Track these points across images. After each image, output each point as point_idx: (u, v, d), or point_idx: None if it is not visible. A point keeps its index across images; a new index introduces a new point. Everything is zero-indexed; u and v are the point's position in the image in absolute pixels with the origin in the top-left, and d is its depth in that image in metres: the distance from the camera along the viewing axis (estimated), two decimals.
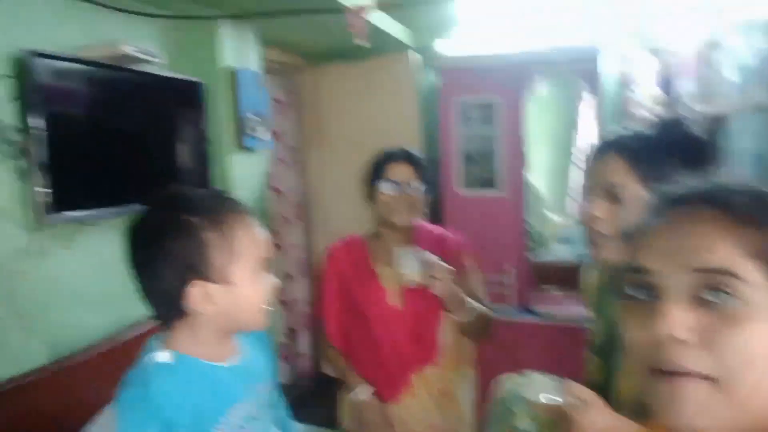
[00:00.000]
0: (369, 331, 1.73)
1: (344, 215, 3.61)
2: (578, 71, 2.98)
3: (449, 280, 1.60)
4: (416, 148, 1.82)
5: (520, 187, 3.06)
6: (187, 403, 0.93)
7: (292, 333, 3.92)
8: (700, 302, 0.54)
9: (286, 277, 3.77)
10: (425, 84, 3.55)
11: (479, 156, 3.13)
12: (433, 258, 1.60)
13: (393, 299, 1.74)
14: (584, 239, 1.17)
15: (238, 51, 2.76)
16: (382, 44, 3.20)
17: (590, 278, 1.38)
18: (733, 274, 0.53)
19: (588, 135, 3.61)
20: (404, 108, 3.46)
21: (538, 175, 3.49)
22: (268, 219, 3.01)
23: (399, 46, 3.43)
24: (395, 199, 1.70)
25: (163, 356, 0.96)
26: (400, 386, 1.72)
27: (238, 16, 2.55)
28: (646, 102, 3.21)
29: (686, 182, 0.64)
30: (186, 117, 2.50)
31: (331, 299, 1.81)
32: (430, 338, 1.72)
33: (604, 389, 1.10)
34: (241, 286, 0.98)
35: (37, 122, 1.77)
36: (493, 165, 3.08)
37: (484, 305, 1.78)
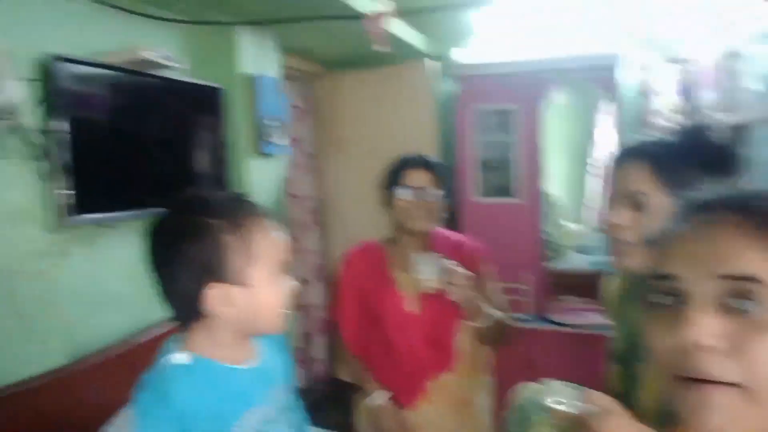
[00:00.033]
0: (386, 337, 1.73)
1: (360, 221, 3.63)
2: (596, 80, 2.97)
3: (467, 287, 1.59)
4: (434, 155, 1.82)
5: (536, 196, 3.05)
6: (203, 405, 0.93)
7: (307, 337, 3.93)
8: (726, 309, 0.54)
9: (302, 282, 3.78)
10: (442, 92, 3.55)
11: (496, 164, 3.13)
12: (451, 264, 1.60)
13: (410, 305, 1.74)
14: (606, 247, 1.16)
15: (257, 57, 2.78)
16: (400, 52, 3.21)
17: (611, 286, 1.36)
18: (758, 281, 0.53)
19: (606, 144, 3.59)
20: (421, 115, 3.46)
21: (554, 183, 3.47)
22: (285, 224, 3.02)
23: (416, 54, 3.44)
24: (413, 205, 1.70)
25: (180, 358, 0.96)
26: (417, 393, 1.71)
27: (258, 23, 2.57)
28: (666, 111, 3.19)
29: (711, 189, 0.63)
30: (205, 122, 2.52)
31: (347, 304, 1.81)
32: (447, 345, 1.71)
33: (625, 398, 1.09)
34: (259, 289, 0.98)
35: (60, 125, 1.79)
36: (510, 173, 3.08)
37: (501, 312, 1.77)
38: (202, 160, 2.50)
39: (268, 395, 1.06)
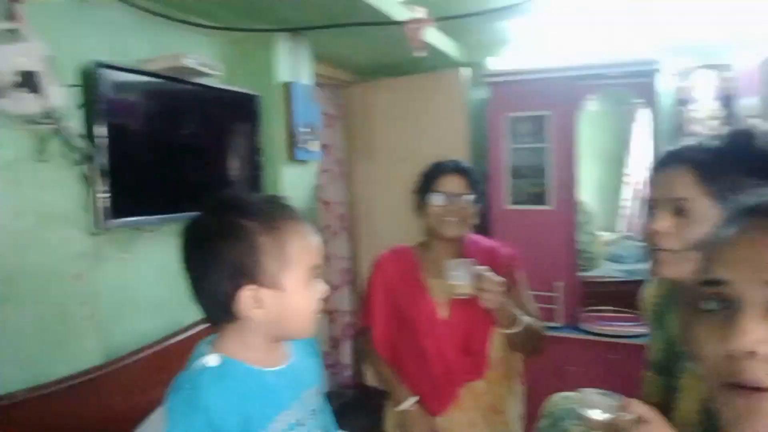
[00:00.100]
0: (417, 343, 1.72)
1: (389, 227, 3.64)
2: (634, 86, 2.93)
3: (499, 293, 1.58)
4: (467, 161, 1.82)
5: (570, 204, 3.01)
6: (235, 408, 0.93)
7: (335, 342, 3.94)
8: None
9: (331, 288, 3.79)
10: (474, 99, 3.54)
11: (529, 171, 3.11)
12: (483, 270, 1.59)
13: (442, 311, 1.73)
14: (640, 255, 1.14)
15: (292, 65, 2.82)
16: (432, 60, 3.21)
17: (649, 295, 1.34)
18: None
19: (641, 152, 3.54)
20: (453, 123, 3.45)
21: (587, 191, 3.43)
22: (316, 229, 3.04)
23: (448, 62, 3.44)
24: (446, 211, 1.70)
25: (212, 360, 0.96)
26: (448, 399, 1.70)
27: (294, 29, 2.60)
28: (705, 119, 3.13)
29: (762, 193, 0.62)
30: (241, 129, 2.56)
31: (378, 308, 1.81)
32: (479, 351, 1.70)
33: (662, 407, 1.07)
34: (291, 293, 0.97)
35: (101, 130, 1.83)
36: (544, 181, 3.05)
37: (534, 319, 1.76)
38: (237, 166, 2.53)
39: (299, 398, 1.05)
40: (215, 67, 2.19)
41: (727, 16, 2.76)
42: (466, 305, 1.66)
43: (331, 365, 3.89)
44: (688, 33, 3.01)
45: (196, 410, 0.89)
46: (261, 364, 1.00)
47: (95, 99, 1.83)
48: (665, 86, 3.10)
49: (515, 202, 3.13)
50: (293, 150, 2.76)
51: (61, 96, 1.67)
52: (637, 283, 3.23)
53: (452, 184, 1.71)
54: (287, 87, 2.74)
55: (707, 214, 1.01)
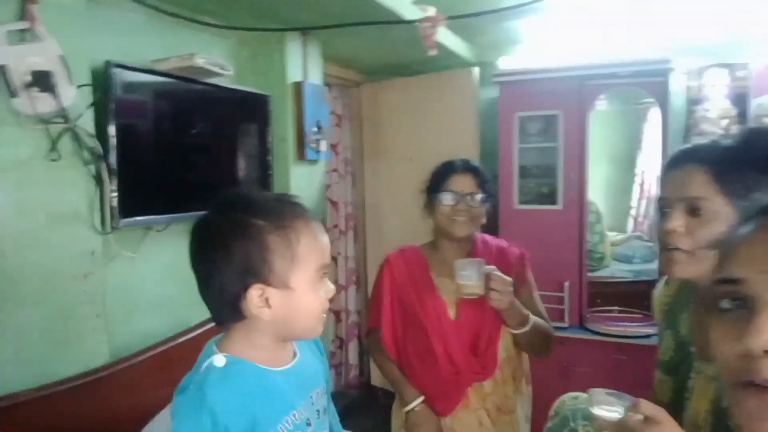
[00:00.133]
0: (425, 342, 1.71)
1: (397, 227, 3.64)
2: (647, 85, 2.92)
3: (509, 293, 1.58)
4: (477, 160, 1.82)
5: (579, 204, 3.00)
6: (241, 408, 0.91)
7: (341, 342, 3.95)
8: None
9: (338, 288, 3.80)
10: (484, 98, 3.54)
11: (538, 171, 3.10)
12: (493, 269, 1.59)
13: (451, 311, 1.72)
14: (658, 255, 1.12)
15: (303, 65, 2.83)
16: (442, 59, 3.22)
17: (660, 295, 1.33)
18: None
19: (651, 152, 3.53)
20: (463, 123, 3.45)
21: (596, 191, 3.43)
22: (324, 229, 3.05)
23: (458, 61, 3.44)
24: (456, 210, 1.70)
25: (219, 360, 0.94)
26: (456, 399, 1.70)
27: (305, 29, 2.60)
28: (716, 118, 3.12)
29: None
30: (251, 128, 2.58)
31: (386, 308, 1.80)
32: (487, 352, 1.69)
33: (673, 408, 1.07)
34: (300, 292, 0.96)
35: (113, 130, 1.85)
36: (553, 180, 3.05)
37: (543, 319, 1.76)
38: (247, 166, 2.54)
39: (306, 398, 1.04)
40: (226, 67, 2.20)
41: (738, 15, 2.74)
42: (475, 305, 1.66)
43: (336, 365, 3.90)
44: (699, 32, 2.99)
45: (201, 411, 0.88)
46: (268, 364, 0.99)
47: (107, 98, 1.84)
48: (676, 86, 3.08)
49: (524, 202, 3.13)
50: (303, 150, 2.77)
51: (73, 95, 1.68)
52: (645, 284, 3.24)
53: (462, 183, 1.71)
54: (298, 87, 2.75)
55: (721, 213, 1.00)
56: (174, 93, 2.15)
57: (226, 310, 0.96)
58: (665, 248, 1.08)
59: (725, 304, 0.58)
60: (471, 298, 1.61)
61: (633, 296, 3.14)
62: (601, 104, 3.21)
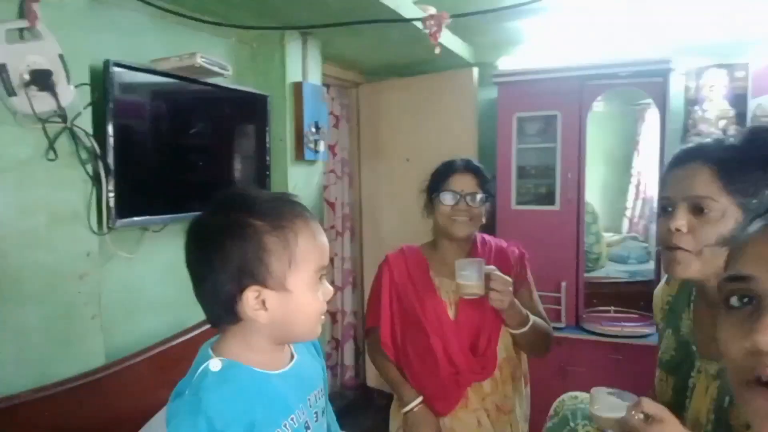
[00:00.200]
0: (424, 343, 1.71)
1: (394, 228, 3.64)
2: (646, 86, 2.93)
3: (509, 293, 1.58)
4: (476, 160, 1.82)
5: (577, 204, 3.01)
6: (238, 413, 0.89)
7: (336, 344, 3.95)
8: None
9: (334, 289, 3.79)
10: (483, 99, 3.54)
11: (536, 171, 3.11)
12: (493, 269, 1.59)
13: (451, 311, 1.73)
14: (662, 254, 1.11)
15: (303, 65, 2.83)
16: (441, 60, 3.22)
17: (661, 294, 1.34)
18: None
19: (648, 153, 3.54)
20: (461, 123, 3.44)
21: (592, 192, 3.44)
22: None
23: (457, 62, 3.44)
24: (457, 210, 1.70)
25: (215, 365, 0.92)
26: (455, 399, 1.70)
27: (306, 28, 2.60)
28: (715, 119, 3.13)
29: None
30: (250, 129, 2.57)
31: (385, 308, 1.80)
32: (487, 352, 1.69)
33: (674, 407, 1.07)
34: (297, 294, 0.94)
35: (111, 129, 1.83)
36: (551, 181, 3.06)
37: (542, 319, 1.76)
38: (245, 166, 2.54)
39: (305, 401, 1.02)
40: (226, 66, 2.19)
41: (737, 15, 2.75)
42: (475, 305, 1.66)
43: (332, 366, 3.90)
44: (699, 33, 2.99)
45: (197, 416, 0.86)
46: (265, 367, 0.97)
47: (105, 98, 1.83)
48: (675, 86, 3.09)
49: (522, 203, 3.14)
50: (303, 150, 2.76)
51: (72, 95, 1.67)
52: (641, 284, 3.25)
53: (463, 183, 1.71)
54: (297, 87, 2.75)
55: (725, 212, 1.00)
56: (173, 93, 2.14)
57: (221, 311, 0.93)
58: (668, 247, 1.08)
59: (734, 301, 0.58)
60: (471, 298, 1.61)
61: (629, 296, 3.16)
62: (598, 105, 3.21)
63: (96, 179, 1.81)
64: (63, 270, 1.73)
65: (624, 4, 2.63)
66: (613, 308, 3.12)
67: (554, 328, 1.85)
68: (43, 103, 1.59)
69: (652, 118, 3.37)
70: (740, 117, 3.06)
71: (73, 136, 1.73)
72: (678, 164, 1.10)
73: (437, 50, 2.31)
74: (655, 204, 3.27)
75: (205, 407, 0.86)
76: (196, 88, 2.22)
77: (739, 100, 3.09)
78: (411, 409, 1.69)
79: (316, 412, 1.06)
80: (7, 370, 1.58)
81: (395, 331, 1.79)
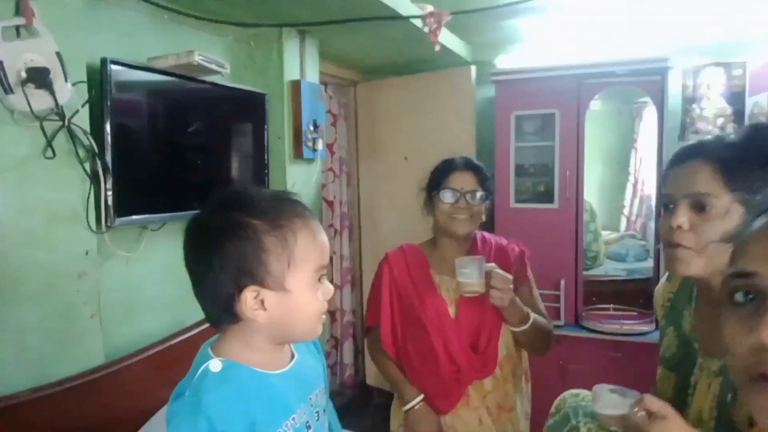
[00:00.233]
0: (425, 341, 1.71)
1: (393, 227, 3.64)
2: (644, 84, 2.93)
3: (509, 290, 1.58)
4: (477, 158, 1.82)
5: (575, 202, 3.02)
6: (239, 414, 0.89)
7: (336, 342, 3.94)
8: None
9: (334, 287, 3.79)
10: (481, 97, 3.54)
11: (535, 170, 3.12)
12: (493, 267, 1.58)
13: (451, 309, 1.72)
14: (662, 252, 1.11)
15: (301, 64, 2.82)
16: (439, 58, 3.22)
17: (662, 291, 1.34)
18: None
19: (645, 151, 3.55)
20: (459, 121, 3.44)
21: (590, 190, 3.45)
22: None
23: (455, 60, 3.44)
24: (456, 208, 1.69)
25: (215, 365, 0.91)
26: (456, 397, 1.70)
27: (304, 25, 2.59)
28: (712, 117, 3.13)
29: None
30: (248, 127, 2.56)
31: (385, 306, 1.79)
32: (487, 349, 1.69)
33: (675, 403, 1.07)
34: (296, 294, 0.93)
35: (109, 127, 1.83)
36: (549, 179, 3.06)
37: (543, 317, 1.76)
38: (244, 164, 2.53)
39: (306, 400, 1.02)
40: (223, 64, 2.19)
41: (735, 14, 2.75)
42: (475, 303, 1.66)
43: (332, 365, 3.90)
44: (696, 32, 3.00)
45: (198, 417, 0.85)
46: (265, 367, 0.96)
47: (103, 96, 1.82)
48: (672, 85, 3.09)
49: (520, 201, 3.14)
50: (301, 148, 2.76)
51: (69, 92, 1.66)
52: (639, 282, 3.26)
53: (463, 180, 1.71)
54: (296, 85, 2.75)
55: (727, 209, 1.00)
56: (171, 91, 2.13)
57: (220, 311, 0.93)
58: (669, 245, 1.08)
59: (738, 297, 0.58)
60: (471, 296, 1.60)
61: (627, 294, 3.17)
62: (595, 104, 3.22)
63: (94, 178, 1.81)
64: (62, 269, 1.72)
65: (622, 3, 2.63)
66: (612, 306, 3.12)
67: (553, 326, 1.85)
68: (41, 101, 1.58)
69: (649, 116, 3.38)
70: (738, 115, 3.07)
71: (71, 135, 1.72)
72: (679, 161, 1.10)
73: (437, 47, 2.31)
74: (653, 202, 3.30)
75: (206, 408, 0.86)
76: (194, 86, 2.21)
77: (736, 99, 3.10)
78: (412, 408, 1.69)
79: (317, 412, 1.05)
80: (6, 370, 1.57)
81: (396, 329, 1.78)
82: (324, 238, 0.98)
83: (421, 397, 1.70)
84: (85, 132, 1.76)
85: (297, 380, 1.01)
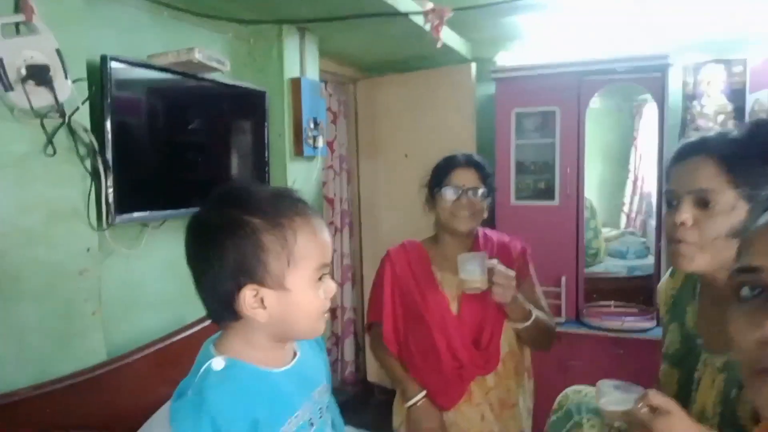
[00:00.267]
0: (427, 338, 1.71)
1: (393, 224, 3.64)
2: (644, 81, 2.93)
3: (512, 287, 1.58)
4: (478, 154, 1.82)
5: (576, 199, 3.01)
6: (242, 412, 0.88)
7: (336, 339, 3.95)
8: None
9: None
10: (481, 95, 3.54)
11: (535, 167, 3.12)
12: (496, 264, 1.58)
13: (454, 306, 1.72)
14: (668, 249, 1.11)
15: (301, 61, 2.82)
16: (439, 55, 3.21)
17: (665, 287, 1.33)
18: None
19: (646, 148, 3.55)
20: (459, 119, 3.44)
21: (590, 188, 3.45)
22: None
23: (455, 57, 3.43)
24: (459, 205, 1.69)
25: (217, 363, 0.91)
26: (458, 394, 1.70)
27: (304, 21, 2.59)
28: (713, 114, 3.13)
29: None
30: (249, 124, 2.56)
31: (387, 303, 1.79)
32: (490, 346, 1.69)
33: (679, 399, 1.07)
34: (297, 293, 0.92)
35: (109, 125, 1.82)
36: (550, 176, 3.06)
37: (545, 313, 1.76)
38: (244, 162, 2.53)
39: (309, 398, 1.01)
40: (224, 62, 2.18)
41: (736, 11, 2.75)
42: (477, 299, 1.66)
43: (332, 362, 3.90)
44: (697, 29, 3.00)
45: (201, 416, 0.85)
46: (268, 365, 0.96)
47: (103, 93, 1.81)
48: (673, 82, 3.09)
49: (521, 198, 3.14)
50: (301, 146, 2.76)
51: (69, 90, 1.66)
52: (640, 279, 3.26)
53: (465, 177, 1.71)
54: (296, 83, 2.74)
55: (731, 205, 1.00)
56: (171, 88, 2.12)
57: (221, 309, 0.92)
58: (673, 241, 1.08)
59: (745, 292, 0.58)
60: (473, 292, 1.60)
61: (628, 291, 3.17)
62: (595, 101, 3.21)
63: (95, 175, 1.80)
64: (63, 266, 1.71)
65: (623, 0, 2.63)
66: (613, 303, 3.12)
67: (556, 323, 1.85)
68: (41, 98, 1.57)
69: (649, 113, 3.38)
70: (738, 112, 3.07)
71: (72, 132, 1.71)
72: (681, 158, 1.10)
73: (439, 44, 2.31)
74: (653, 199, 3.30)
75: (208, 406, 0.85)
76: (194, 83, 2.20)
77: (737, 96, 3.09)
78: (414, 404, 1.69)
79: (320, 408, 1.05)
80: (7, 367, 1.57)
81: (397, 325, 1.79)
82: (326, 235, 0.97)
83: (424, 393, 1.70)
84: (85, 129, 1.75)
85: (299, 378, 1.01)
